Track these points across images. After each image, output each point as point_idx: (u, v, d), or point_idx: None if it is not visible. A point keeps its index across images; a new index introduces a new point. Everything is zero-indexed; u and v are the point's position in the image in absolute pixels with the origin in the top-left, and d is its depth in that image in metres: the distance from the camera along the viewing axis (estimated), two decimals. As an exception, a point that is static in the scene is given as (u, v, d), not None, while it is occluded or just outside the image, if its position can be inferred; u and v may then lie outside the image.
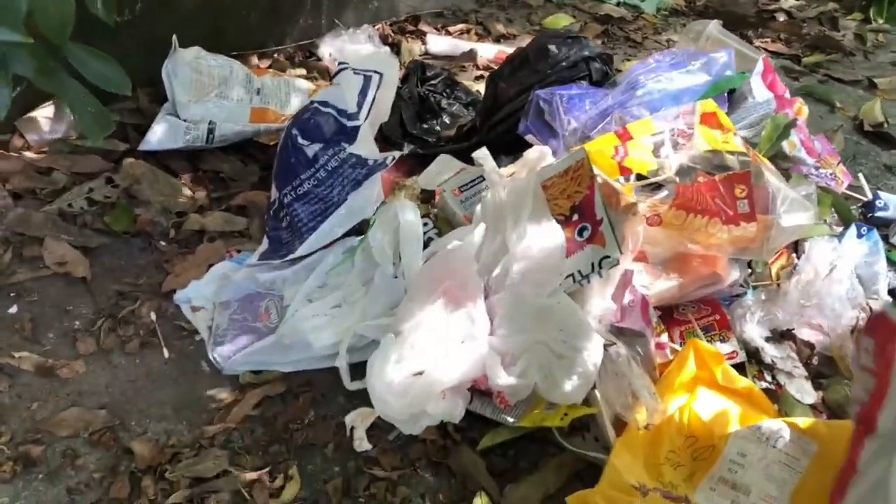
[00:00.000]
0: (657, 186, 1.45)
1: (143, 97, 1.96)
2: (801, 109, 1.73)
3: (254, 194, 1.78)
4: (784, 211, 1.36)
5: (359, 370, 1.33)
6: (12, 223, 1.61)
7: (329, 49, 2.25)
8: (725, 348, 1.45)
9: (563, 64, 1.79)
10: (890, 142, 2.19)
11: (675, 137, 1.49)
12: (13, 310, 1.48)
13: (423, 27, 2.55)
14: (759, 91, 1.67)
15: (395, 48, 2.37)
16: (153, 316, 1.50)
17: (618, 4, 2.98)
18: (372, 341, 1.39)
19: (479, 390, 1.32)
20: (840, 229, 1.71)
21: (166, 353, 1.44)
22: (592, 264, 1.30)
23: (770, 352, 1.46)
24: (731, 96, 1.70)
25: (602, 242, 1.30)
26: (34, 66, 1.32)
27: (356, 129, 1.66)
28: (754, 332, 1.47)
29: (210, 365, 1.43)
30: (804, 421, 1.25)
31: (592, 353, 1.23)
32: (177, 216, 1.71)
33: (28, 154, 1.78)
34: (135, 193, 1.73)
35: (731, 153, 1.46)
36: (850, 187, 1.88)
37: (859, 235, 1.68)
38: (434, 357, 1.26)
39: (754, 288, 1.54)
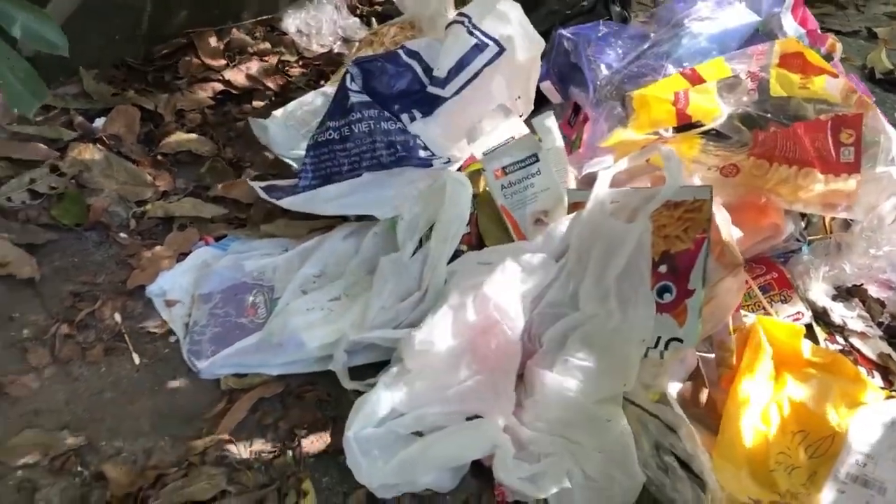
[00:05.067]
0: (718, 135, 1.27)
1: (86, 78, 1.72)
2: (834, 45, 1.56)
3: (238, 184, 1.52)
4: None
5: (365, 371, 1.15)
6: (-62, 224, 1.36)
7: (295, 22, 2.03)
8: (789, 309, 1.26)
9: (584, 5, 1.58)
10: (904, 89, 2.05)
11: (744, 81, 1.30)
12: (-55, 321, 1.23)
13: (393, -2, 2.34)
14: (790, 27, 1.50)
15: (365, 20, 2.16)
16: (118, 317, 1.26)
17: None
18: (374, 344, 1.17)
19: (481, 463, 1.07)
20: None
21: (137, 360, 1.21)
22: (658, 339, 1.07)
23: (839, 311, 1.28)
24: (756, 34, 1.52)
25: (681, 320, 1.06)
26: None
27: (437, 99, 1.33)
28: (819, 289, 1.29)
29: (191, 370, 1.20)
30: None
31: (629, 490, 0.98)
32: (136, 206, 1.48)
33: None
34: (85, 182, 1.48)
35: (809, 101, 1.27)
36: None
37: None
38: (437, 420, 1.04)
39: (809, 243, 1.36)
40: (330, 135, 1.29)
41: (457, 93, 1.33)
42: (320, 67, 1.94)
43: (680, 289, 1.07)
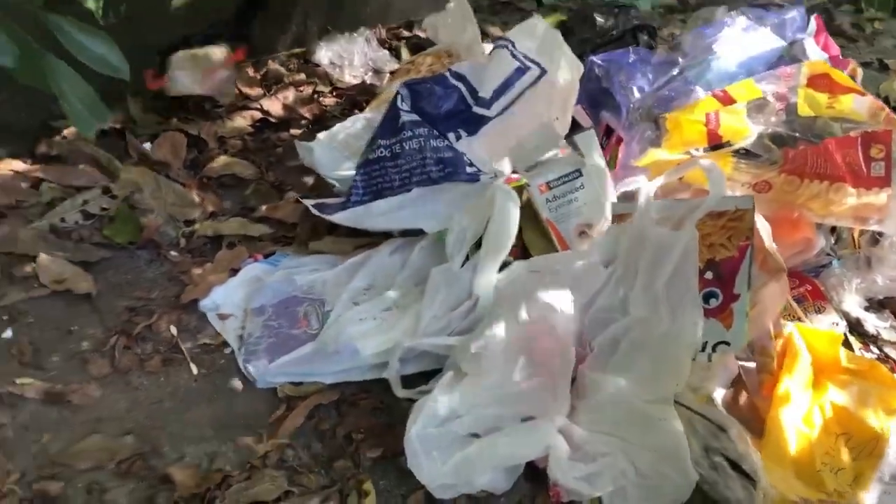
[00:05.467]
0: (748, 153, 1.32)
1: (133, 106, 1.78)
2: (856, 70, 1.62)
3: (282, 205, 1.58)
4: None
5: (416, 381, 1.19)
6: (-3, 243, 1.40)
7: (327, 54, 2.10)
8: (824, 320, 1.30)
9: (614, 34, 1.65)
10: (917, 117, 2.11)
11: (773, 102, 1.36)
12: (7, 334, 1.27)
13: (419, 32, 2.42)
14: (813, 52, 1.56)
15: (395, 53, 2.23)
16: (173, 330, 1.30)
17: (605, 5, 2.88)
18: (426, 352, 1.21)
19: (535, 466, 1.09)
20: None
21: (194, 370, 1.25)
22: (705, 343, 1.11)
23: (872, 322, 1.32)
24: (781, 59, 1.58)
25: (728, 323, 1.10)
26: (15, 54, 1.10)
27: (482, 119, 1.38)
28: (852, 301, 1.33)
29: (247, 379, 1.23)
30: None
31: (682, 487, 1.01)
32: (185, 225, 1.52)
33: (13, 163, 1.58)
34: (135, 203, 1.53)
35: (836, 119, 1.33)
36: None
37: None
38: (493, 422, 1.06)
39: (839, 258, 1.40)
40: (381, 152, 1.33)
41: (501, 113, 1.38)
42: (354, 97, 2.01)
43: (726, 294, 1.10)
